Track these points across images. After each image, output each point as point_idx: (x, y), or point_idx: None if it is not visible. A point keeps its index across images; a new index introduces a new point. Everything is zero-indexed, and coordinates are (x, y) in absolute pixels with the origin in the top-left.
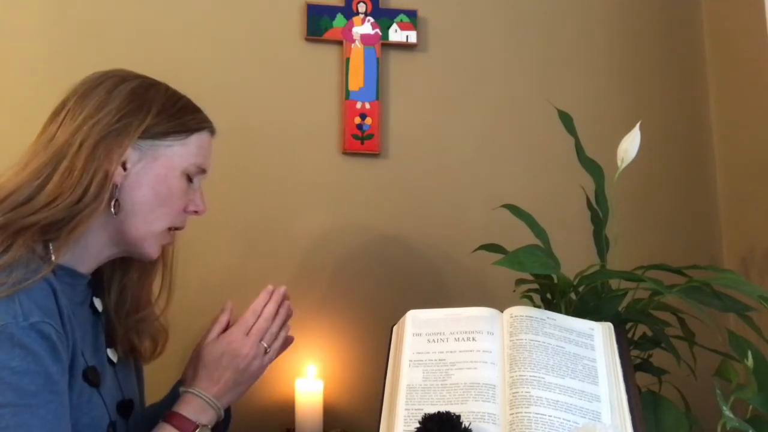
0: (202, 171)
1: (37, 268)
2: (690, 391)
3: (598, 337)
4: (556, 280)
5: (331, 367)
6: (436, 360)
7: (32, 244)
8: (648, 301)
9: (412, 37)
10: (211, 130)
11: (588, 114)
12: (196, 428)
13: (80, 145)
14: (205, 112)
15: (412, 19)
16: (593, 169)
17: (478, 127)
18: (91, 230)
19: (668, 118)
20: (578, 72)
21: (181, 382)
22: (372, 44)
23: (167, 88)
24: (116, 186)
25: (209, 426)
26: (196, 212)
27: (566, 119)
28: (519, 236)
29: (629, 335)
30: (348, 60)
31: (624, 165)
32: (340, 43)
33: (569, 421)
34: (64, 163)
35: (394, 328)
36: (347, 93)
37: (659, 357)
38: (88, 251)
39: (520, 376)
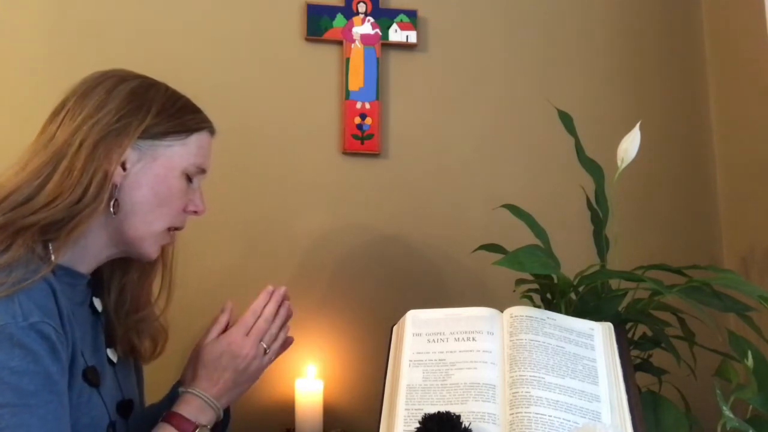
0: (202, 171)
1: (36, 268)
2: (690, 391)
3: (598, 337)
4: (556, 280)
5: (331, 367)
6: (436, 360)
7: (32, 244)
8: (648, 301)
9: (412, 37)
10: (211, 130)
11: (588, 114)
12: (196, 428)
13: (80, 145)
14: (205, 112)
15: (412, 19)
16: (593, 169)
17: (478, 127)
18: (90, 230)
19: (668, 118)
20: (578, 72)
21: (180, 383)
22: (372, 44)
23: (167, 88)
24: (116, 186)
25: (208, 426)
26: (195, 212)
27: (566, 119)
28: (519, 236)
29: (629, 335)
30: (348, 60)
31: (624, 165)
32: (340, 43)
33: (569, 421)
34: (64, 163)
35: (394, 328)
36: (347, 93)
37: (659, 357)
38: (87, 251)
39: (520, 376)
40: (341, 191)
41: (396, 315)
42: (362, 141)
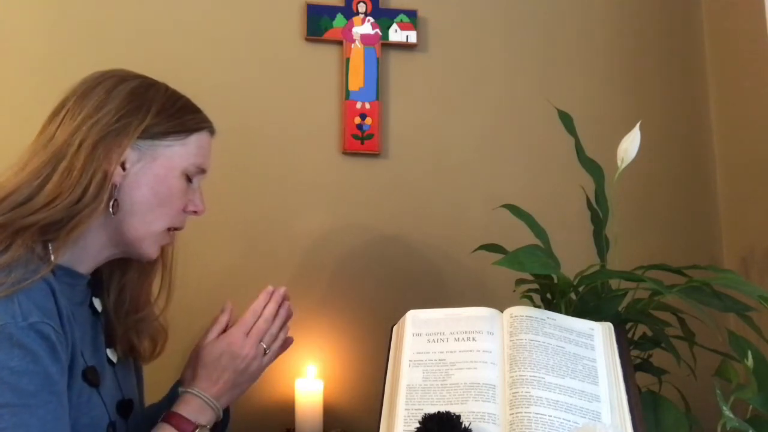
0: (202, 171)
1: (36, 268)
2: (690, 391)
3: (598, 337)
4: (556, 280)
5: (331, 367)
6: (436, 360)
7: (31, 244)
8: (648, 301)
9: (412, 37)
10: (211, 130)
11: (588, 114)
12: (195, 428)
13: (79, 145)
14: (204, 112)
15: (412, 19)
16: (593, 169)
17: (478, 127)
18: (90, 230)
19: (668, 118)
20: (578, 72)
21: (180, 383)
22: (372, 44)
23: (167, 88)
24: (115, 186)
25: (208, 426)
26: (195, 212)
27: (566, 119)
28: (519, 236)
29: (629, 335)
30: (348, 60)
31: (624, 165)
32: (340, 43)
33: (569, 421)
34: (64, 163)
35: (394, 328)
36: (347, 93)
37: (659, 357)
38: (87, 251)
39: (520, 376)
40: (341, 191)
41: (396, 315)
42: (362, 141)
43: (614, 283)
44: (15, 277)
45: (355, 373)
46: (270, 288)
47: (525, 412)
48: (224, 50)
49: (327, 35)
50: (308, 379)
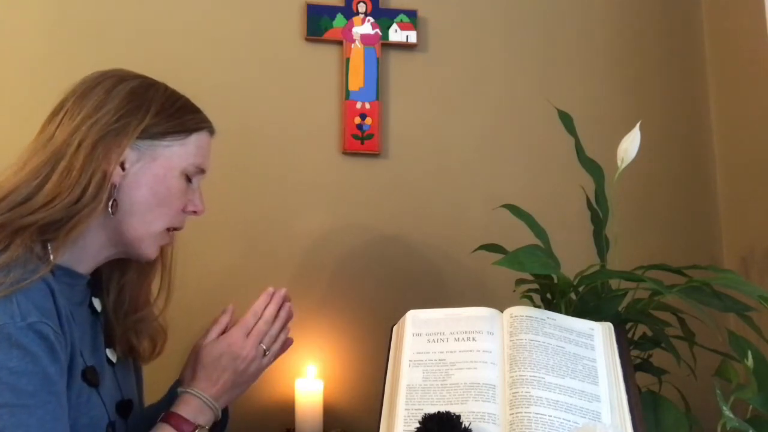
0: (201, 171)
1: (35, 268)
2: (690, 391)
3: (598, 337)
4: (556, 280)
5: (331, 367)
6: (436, 360)
7: (30, 244)
8: (648, 301)
9: (412, 37)
10: (211, 130)
11: (588, 114)
12: (195, 429)
13: (79, 145)
14: (204, 112)
15: (412, 19)
16: (593, 169)
17: (478, 127)
18: (89, 230)
19: (668, 118)
20: (578, 72)
21: (179, 383)
22: (372, 44)
23: (166, 88)
24: (114, 186)
25: (207, 426)
26: (194, 212)
27: (566, 119)
28: (519, 236)
29: (629, 335)
30: (348, 60)
31: (624, 165)
32: (340, 43)
33: (569, 421)
34: (63, 163)
35: (394, 328)
36: (347, 93)
37: (659, 357)
38: (86, 251)
39: (520, 376)
40: (341, 191)
41: (396, 315)
42: (362, 141)
43: (614, 283)
44: (14, 277)
45: (355, 373)
46: (271, 289)
47: (525, 412)
48: (224, 50)
49: (327, 35)
50: (308, 379)
